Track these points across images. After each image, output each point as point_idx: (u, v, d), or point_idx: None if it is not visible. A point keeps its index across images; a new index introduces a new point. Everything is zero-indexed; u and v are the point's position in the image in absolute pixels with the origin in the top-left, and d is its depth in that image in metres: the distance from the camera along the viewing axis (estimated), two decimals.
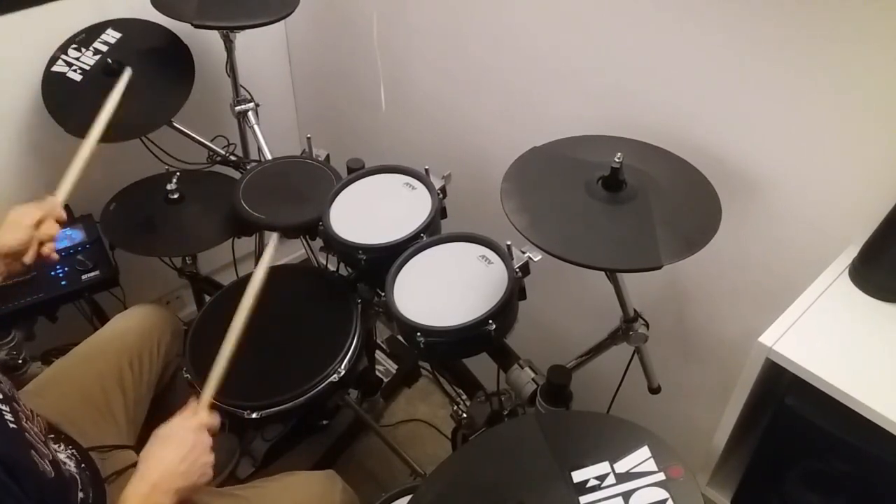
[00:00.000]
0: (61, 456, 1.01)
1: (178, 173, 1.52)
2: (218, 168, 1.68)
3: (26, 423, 0.94)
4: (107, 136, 1.25)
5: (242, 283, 1.44)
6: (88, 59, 1.51)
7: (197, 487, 0.93)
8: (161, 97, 1.54)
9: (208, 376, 1.03)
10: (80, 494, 0.98)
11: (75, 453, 1.07)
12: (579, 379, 1.16)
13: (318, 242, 1.36)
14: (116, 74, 1.49)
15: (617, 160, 0.99)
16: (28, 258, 1.08)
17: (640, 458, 0.86)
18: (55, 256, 1.13)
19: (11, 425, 0.89)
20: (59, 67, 1.49)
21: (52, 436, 1.05)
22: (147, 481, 0.89)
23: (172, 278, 1.66)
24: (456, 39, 1.49)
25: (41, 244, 1.10)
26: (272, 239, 1.11)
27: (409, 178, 1.36)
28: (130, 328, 1.37)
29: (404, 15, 1.58)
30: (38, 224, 1.09)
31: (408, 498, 1.17)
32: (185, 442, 0.94)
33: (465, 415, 1.31)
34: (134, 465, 1.15)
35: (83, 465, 1.05)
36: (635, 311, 1.19)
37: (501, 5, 1.35)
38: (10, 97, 1.53)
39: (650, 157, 1.08)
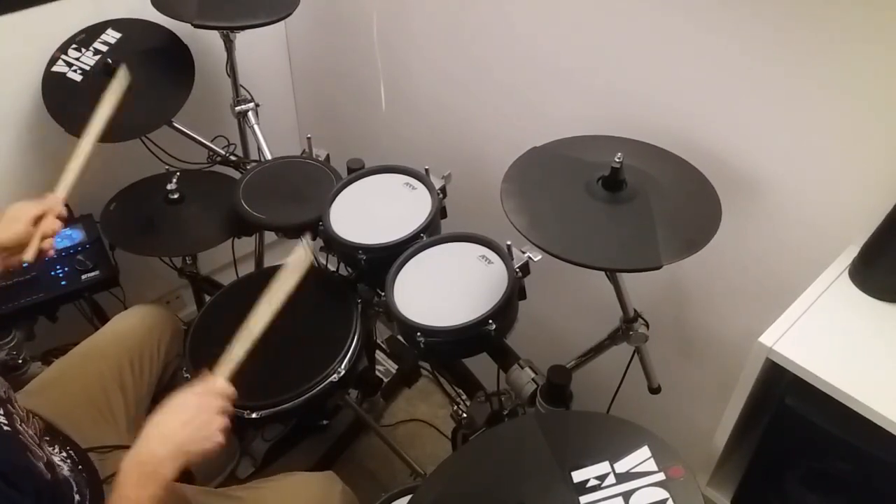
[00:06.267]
0: (55, 459, 0.99)
1: (178, 173, 1.52)
2: (218, 168, 1.68)
3: (21, 425, 0.93)
4: (107, 136, 1.25)
5: (242, 283, 1.45)
6: (88, 59, 1.51)
7: (205, 452, 0.88)
8: (161, 97, 1.54)
9: (230, 349, 0.97)
10: (77, 497, 0.97)
11: (72, 455, 1.06)
12: (579, 379, 1.16)
13: (318, 242, 1.36)
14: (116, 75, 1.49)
15: (617, 160, 0.99)
16: (29, 255, 1.06)
17: (640, 458, 0.86)
18: (51, 252, 1.11)
19: (6, 428, 0.88)
20: (60, 68, 1.49)
21: (48, 438, 1.04)
22: (146, 449, 0.86)
23: (172, 278, 1.66)
24: (456, 39, 1.49)
25: (42, 238, 1.07)
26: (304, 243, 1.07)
27: (409, 178, 1.36)
28: (131, 328, 1.36)
29: (404, 15, 1.58)
30: (38, 220, 1.07)
31: (408, 498, 1.17)
32: (187, 407, 0.89)
33: (465, 415, 1.31)
34: None
35: (80, 468, 1.04)
36: (635, 311, 1.19)
37: (502, 5, 1.35)
38: (11, 97, 1.53)
39: (650, 157, 1.08)
